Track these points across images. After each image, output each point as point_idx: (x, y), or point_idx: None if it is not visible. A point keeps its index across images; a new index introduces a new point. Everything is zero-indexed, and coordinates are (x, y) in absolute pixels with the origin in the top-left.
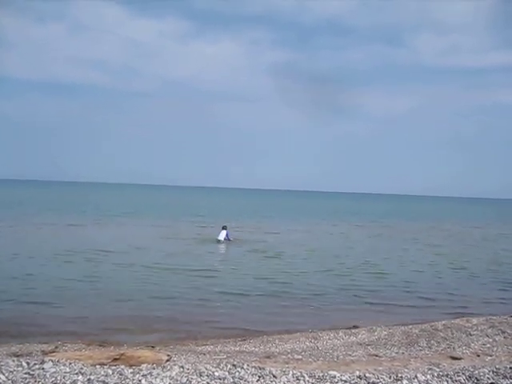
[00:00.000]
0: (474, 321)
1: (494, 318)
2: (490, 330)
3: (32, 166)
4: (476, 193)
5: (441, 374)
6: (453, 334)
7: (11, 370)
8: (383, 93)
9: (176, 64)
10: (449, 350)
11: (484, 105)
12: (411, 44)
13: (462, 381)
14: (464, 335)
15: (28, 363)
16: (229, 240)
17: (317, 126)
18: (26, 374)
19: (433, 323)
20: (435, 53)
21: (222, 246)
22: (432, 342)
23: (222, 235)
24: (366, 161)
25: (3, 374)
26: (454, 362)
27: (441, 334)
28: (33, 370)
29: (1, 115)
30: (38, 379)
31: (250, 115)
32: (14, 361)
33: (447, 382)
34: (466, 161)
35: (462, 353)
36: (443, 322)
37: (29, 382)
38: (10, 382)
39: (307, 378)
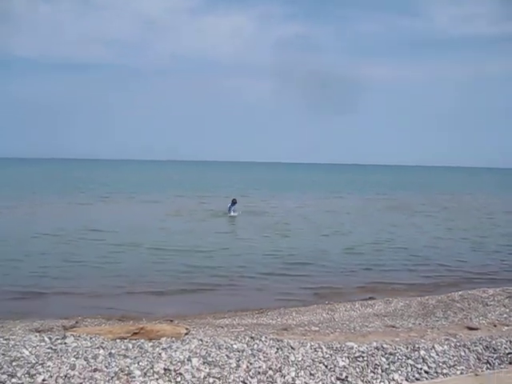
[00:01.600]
0: (491, 291)
1: (511, 288)
2: (506, 301)
3: (42, 144)
4: (483, 162)
5: (458, 344)
6: (469, 304)
7: (34, 345)
8: (396, 63)
9: (187, 39)
10: (465, 320)
11: (498, 73)
12: (426, 14)
13: (480, 351)
14: (480, 306)
15: (50, 338)
16: (234, 214)
17: (326, 98)
18: (48, 348)
19: (449, 294)
20: (450, 23)
21: (232, 222)
22: (448, 312)
23: (232, 209)
24: (373, 132)
25: (27, 349)
26: (470, 332)
27: (457, 304)
28: (55, 345)
29: (13, 95)
30: (60, 353)
31: (260, 89)
32: (36, 336)
33: (464, 352)
34: (477, 130)
35: (479, 323)
36: (460, 293)
37: (52, 356)
38: (33, 356)
39: (325, 350)
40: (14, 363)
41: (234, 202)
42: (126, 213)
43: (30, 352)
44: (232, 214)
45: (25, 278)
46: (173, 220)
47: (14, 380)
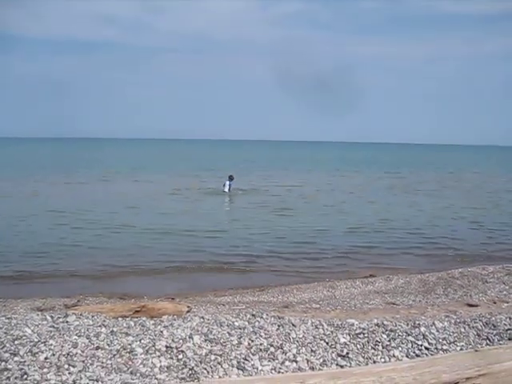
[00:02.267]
0: (491, 268)
1: (511, 265)
2: (506, 278)
3: (46, 123)
4: (482, 140)
5: (458, 320)
6: (469, 281)
7: (36, 323)
8: (396, 42)
9: (190, 17)
10: (465, 297)
11: (500, 51)
12: None
13: (479, 327)
14: (480, 283)
15: (52, 317)
16: (231, 191)
17: (327, 76)
18: (50, 327)
19: (449, 271)
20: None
21: (229, 201)
22: (449, 289)
23: (228, 186)
24: (376, 110)
25: (29, 328)
26: (470, 309)
27: (457, 281)
28: (57, 324)
29: (16, 74)
30: (62, 332)
31: (264, 67)
32: (38, 315)
33: (464, 328)
34: (477, 109)
35: (479, 300)
36: (460, 270)
37: (54, 334)
38: (35, 335)
39: (326, 327)
40: (16, 342)
41: (230, 179)
42: (124, 193)
43: (32, 330)
44: (228, 190)
45: (21, 258)
46: (171, 199)
47: (16, 358)
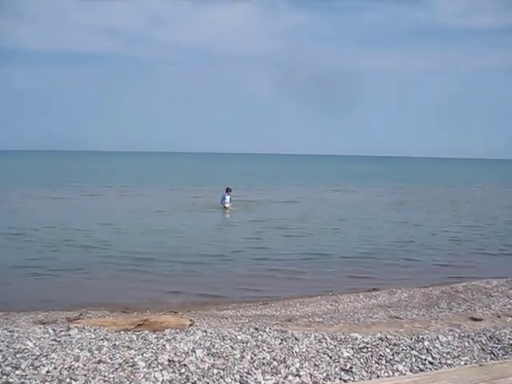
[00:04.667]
0: (495, 282)
1: None
2: (510, 291)
3: (46, 136)
4: (483, 154)
5: (462, 335)
6: (473, 295)
7: (38, 337)
8: (401, 54)
9: (192, 30)
10: (469, 311)
11: (502, 64)
12: (431, 5)
13: (484, 341)
14: (484, 297)
15: (54, 330)
16: (229, 204)
17: (330, 89)
18: (52, 340)
19: (453, 285)
20: (455, 13)
21: (226, 216)
22: (452, 303)
23: (226, 200)
24: (378, 122)
25: (31, 341)
26: (474, 323)
27: (461, 295)
28: (59, 337)
29: (15, 87)
30: (64, 345)
31: (264, 80)
32: (40, 328)
33: (468, 342)
34: (476, 122)
35: (483, 314)
36: (463, 284)
37: (56, 348)
38: (37, 348)
39: (329, 340)
40: (18, 355)
41: (228, 191)
42: (114, 209)
43: (34, 344)
44: (226, 204)
45: (22, 270)
46: (163, 217)
47: (18, 372)
